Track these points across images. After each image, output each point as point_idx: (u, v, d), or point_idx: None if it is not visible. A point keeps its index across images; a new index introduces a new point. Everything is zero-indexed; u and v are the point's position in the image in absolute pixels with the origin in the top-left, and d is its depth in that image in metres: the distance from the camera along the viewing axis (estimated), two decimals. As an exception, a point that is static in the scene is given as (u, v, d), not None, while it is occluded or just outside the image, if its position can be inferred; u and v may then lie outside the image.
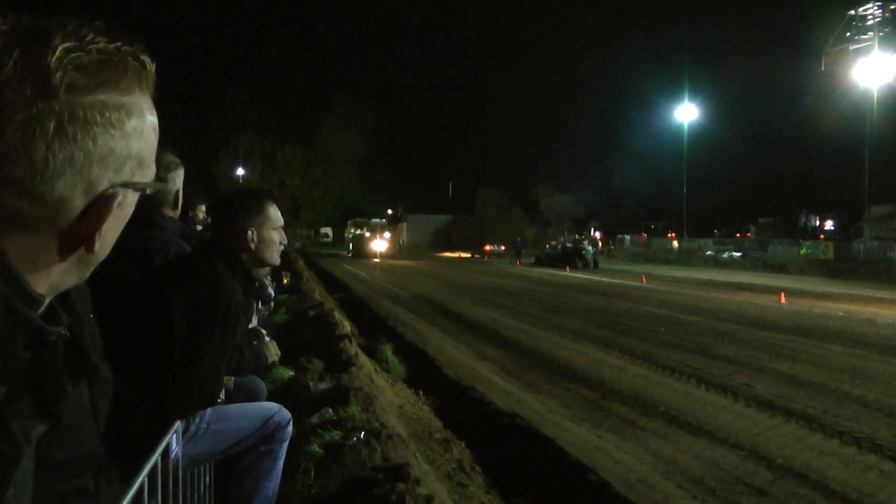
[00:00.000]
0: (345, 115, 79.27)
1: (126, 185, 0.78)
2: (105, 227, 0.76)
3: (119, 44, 0.74)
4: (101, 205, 0.75)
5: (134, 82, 0.76)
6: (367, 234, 49.04)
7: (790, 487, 4.64)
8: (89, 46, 0.71)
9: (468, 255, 56.97)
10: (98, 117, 0.72)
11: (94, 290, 0.95)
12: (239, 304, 2.46)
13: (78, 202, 0.73)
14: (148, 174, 0.81)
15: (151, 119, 0.80)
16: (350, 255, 48.00)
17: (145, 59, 0.77)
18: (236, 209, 2.62)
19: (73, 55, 0.70)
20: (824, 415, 6.33)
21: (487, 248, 55.54)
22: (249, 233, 2.59)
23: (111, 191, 0.76)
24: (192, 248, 2.96)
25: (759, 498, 4.48)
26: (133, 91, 0.76)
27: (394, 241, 49.50)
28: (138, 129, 0.77)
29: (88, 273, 0.83)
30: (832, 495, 4.51)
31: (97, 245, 0.76)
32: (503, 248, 56.18)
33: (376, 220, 54.54)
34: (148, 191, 0.83)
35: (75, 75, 0.70)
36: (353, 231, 52.25)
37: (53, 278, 0.77)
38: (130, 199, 0.81)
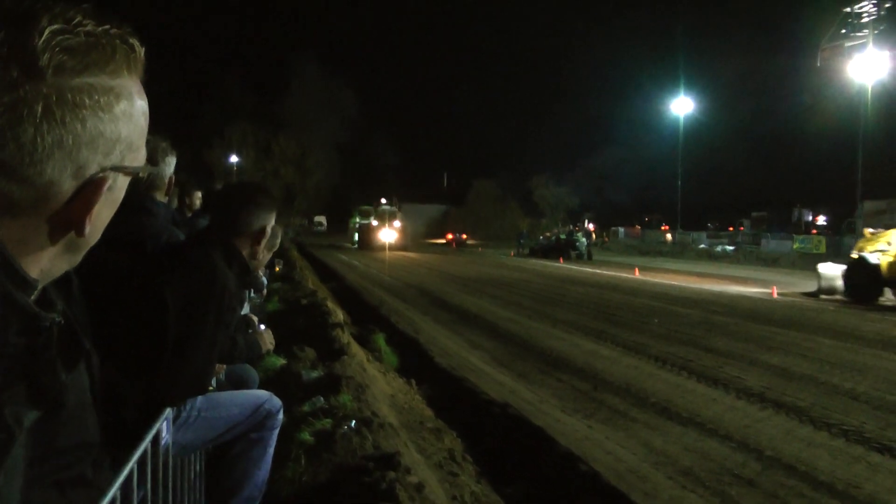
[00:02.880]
0: (338, 103, 78.93)
1: (116, 168, 0.77)
2: (95, 210, 0.76)
3: (107, 27, 0.73)
4: (90, 188, 0.75)
5: (122, 65, 0.75)
6: (375, 223, 44.40)
7: (779, 479, 4.67)
8: (77, 29, 0.70)
9: (440, 241, 62.27)
10: (86, 100, 0.71)
11: (85, 275, 0.95)
12: (232, 293, 2.47)
13: (67, 186, 0.73)
14: (138, 158, 0.81)
15: (141, 103, 0.79)
16: (355, 246, 44.28)
17: (134, 42, 0.77)
18: (255, 206, 2.68)
19: (60, 37, 0.69)
20: (813, 407, 6.37)
21: (450, 236, 58.95)
22: (266, 229, 2.67)
23: (101, 174, 0.75)
24: (186, 236, 2.96)
25: (748, 489, 4.51)
26: (122, 74, 0.75)
27: (404, 231, 45.04)
28: (127, 112, 0.76)
29: (79, 258, 0.83)
30: (820, 486, 4.55)
31: (87, 229, 0.76)
32: (465, 236, 59.71)
33: (385, 207, 48.52)
34: (141, 174, 0.83)
35: (63, 57, 0.69)
36: (358, 220, 47.83)
37: (44, 263, 0.77)
38: (121, 184, 0.81)
